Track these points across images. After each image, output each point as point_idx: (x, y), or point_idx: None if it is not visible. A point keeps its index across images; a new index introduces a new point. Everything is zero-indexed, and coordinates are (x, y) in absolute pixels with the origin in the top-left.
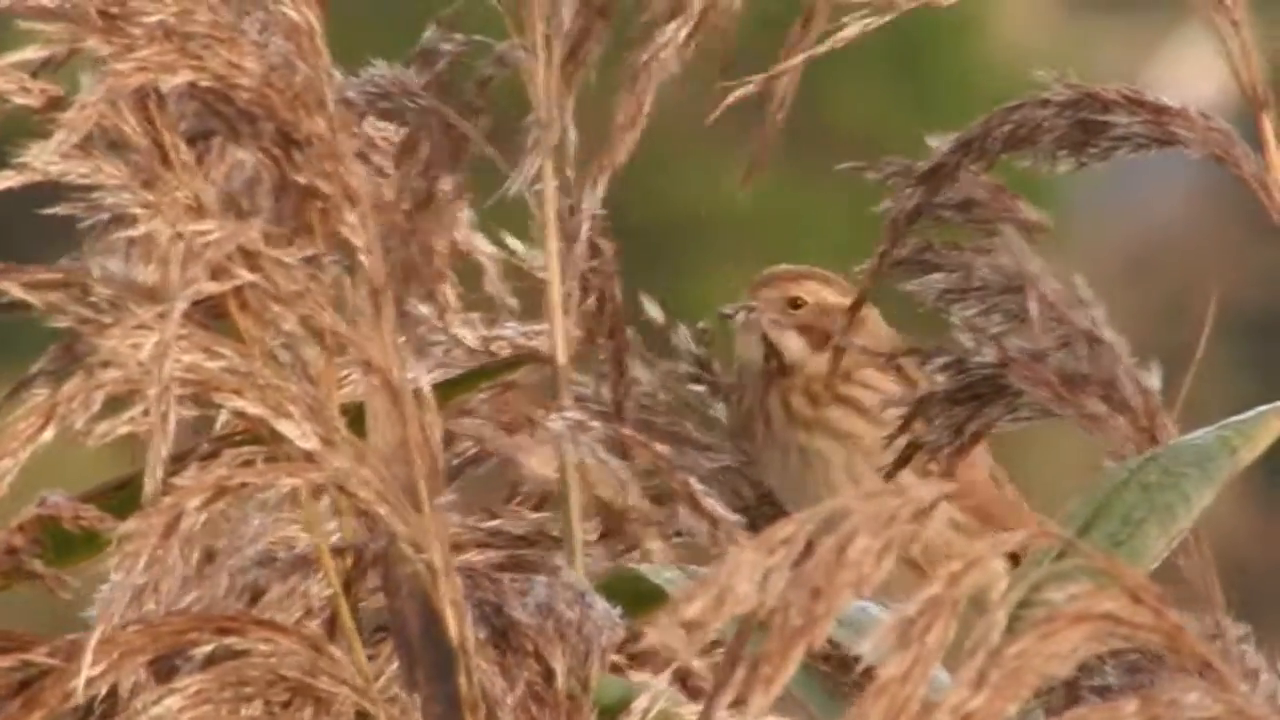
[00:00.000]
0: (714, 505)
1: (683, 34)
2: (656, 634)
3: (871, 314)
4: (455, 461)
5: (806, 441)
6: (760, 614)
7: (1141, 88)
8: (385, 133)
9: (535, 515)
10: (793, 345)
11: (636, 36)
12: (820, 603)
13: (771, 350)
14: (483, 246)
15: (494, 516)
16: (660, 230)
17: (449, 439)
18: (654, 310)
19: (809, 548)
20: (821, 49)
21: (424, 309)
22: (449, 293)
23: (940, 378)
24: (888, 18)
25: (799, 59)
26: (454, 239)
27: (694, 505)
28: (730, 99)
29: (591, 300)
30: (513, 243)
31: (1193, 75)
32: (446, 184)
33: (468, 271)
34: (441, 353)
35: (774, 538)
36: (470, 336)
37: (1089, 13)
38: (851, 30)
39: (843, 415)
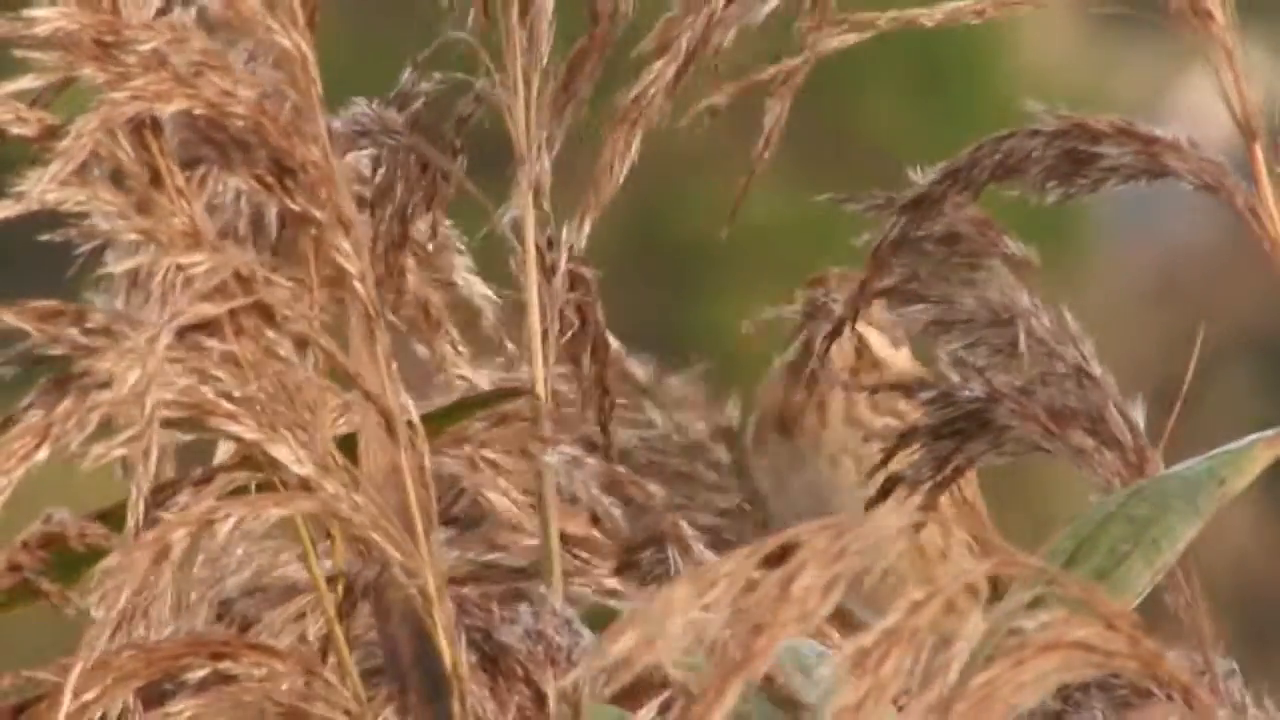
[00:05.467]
0: (701, 548)
1: (671, 71)
2: (579, 672)
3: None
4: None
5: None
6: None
7: (1133, 118)
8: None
9: (531, 547)
10: (876, 338)
11: (625, 73)
12: (761, 638)
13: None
14: (481, 289)
15: (493, 548)
16: (679, 252)
17: (456, 487)
18: (642, 372)
19: (753, 582)
20: (833, 42)
21: (426, 352)
22: (451, 337)
23: (925, 411)
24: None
25: (799, 60)
26: (453, 283)
27: (682, 546)
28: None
29: (573, 326)
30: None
31: (1216, 99)
32: (421, 225)
33: (465, 315)
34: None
35: (713, 573)
36: (482, 379)
37: (1113, 36)
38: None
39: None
